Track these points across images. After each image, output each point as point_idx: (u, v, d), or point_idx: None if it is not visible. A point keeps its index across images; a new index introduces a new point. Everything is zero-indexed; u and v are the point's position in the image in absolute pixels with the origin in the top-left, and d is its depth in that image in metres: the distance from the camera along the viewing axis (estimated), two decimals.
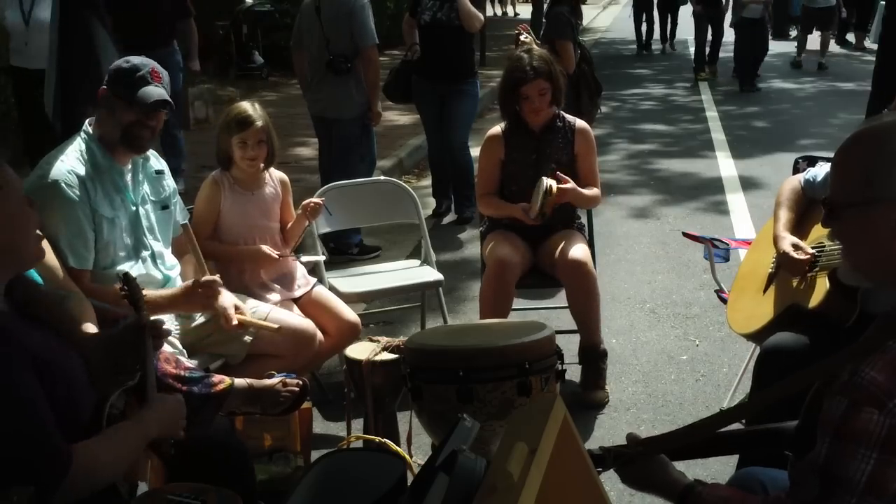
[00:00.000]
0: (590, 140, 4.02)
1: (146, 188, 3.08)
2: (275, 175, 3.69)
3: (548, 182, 3.69)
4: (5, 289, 1.99)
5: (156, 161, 3.18)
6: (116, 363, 2.17)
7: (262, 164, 3.55)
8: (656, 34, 16.44)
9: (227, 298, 3.16)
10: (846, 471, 1.51)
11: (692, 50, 16.01)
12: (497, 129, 4.06)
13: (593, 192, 3.97)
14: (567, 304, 3.99)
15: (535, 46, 4.61)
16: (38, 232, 2.07)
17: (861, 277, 1.74)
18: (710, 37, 13.07)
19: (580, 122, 4.04)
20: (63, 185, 2.81)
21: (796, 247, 2.95)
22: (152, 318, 2.38)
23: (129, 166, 3.02)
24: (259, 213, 3.59)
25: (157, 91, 2.91)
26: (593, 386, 3.82)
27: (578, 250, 3.75)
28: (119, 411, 2.08)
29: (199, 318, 3.19)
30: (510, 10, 22.17)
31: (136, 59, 2.96)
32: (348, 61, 5.34)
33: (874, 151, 1.63)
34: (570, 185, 3.79)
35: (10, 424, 1.79)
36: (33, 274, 2.38)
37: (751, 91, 11.91)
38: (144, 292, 2.45)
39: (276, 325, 3.18)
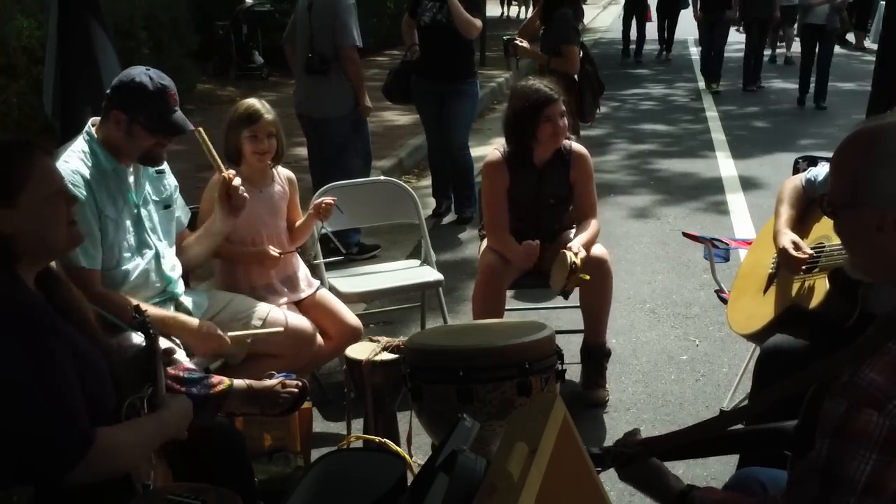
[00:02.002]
0: (587, 166, 3.88)
1: (148, 188, 3.08)
2: (282, 173, 3.68)
3: (571, 258, 3.50)
4: (36, 281, 2.04)
5: None
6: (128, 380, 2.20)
7: (270, 161, 3.54)
8: (649, 37, 15.74)
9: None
10: (846, 471, 1.51)
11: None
12: (496, 154, 3.86)
13: (592, 230, 3.79)
14: (566, 305, 3.98)
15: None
16: (72, 219, 2.11)
17: (862, 274, 1.75)
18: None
19: (577, 147, 3.89)
20: (69, 185, 2.78)
21: (796, 245, 2.94)
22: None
23: (132, 168, 3.02)
24: (266, 210, 3.57)
25: (180, 118, 2.92)
26: (595, 384, 3.83)
27: (598, 248, 3.74)
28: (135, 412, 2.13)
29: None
30: (515, 12, 21.52)
31: (150, 81, 2.85)
32: (325, 62, 5.33)
33: (865, 153, 1.63)
34: (581, 252, 3.60)
35: (42, 397, 1.86)
36: None
37: (818, 108, 10.73)
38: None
39: (279, 329, 3.18)
